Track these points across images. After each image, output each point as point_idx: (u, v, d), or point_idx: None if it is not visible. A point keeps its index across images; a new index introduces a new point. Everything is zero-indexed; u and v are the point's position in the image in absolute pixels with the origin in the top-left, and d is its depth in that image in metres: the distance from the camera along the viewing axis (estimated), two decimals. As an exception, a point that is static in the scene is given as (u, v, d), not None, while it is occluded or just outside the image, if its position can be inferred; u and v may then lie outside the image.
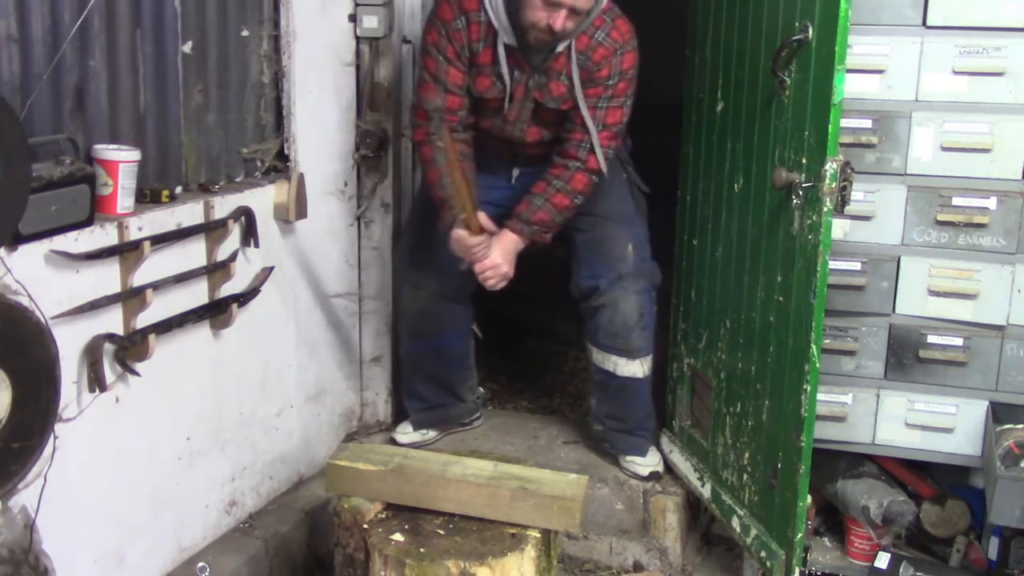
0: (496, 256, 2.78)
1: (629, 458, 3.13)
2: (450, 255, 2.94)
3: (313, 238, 3.04)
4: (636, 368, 3.05)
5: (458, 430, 3.37)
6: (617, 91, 2.77)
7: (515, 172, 3.00)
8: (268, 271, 2.77)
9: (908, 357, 2.77)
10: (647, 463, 3.11)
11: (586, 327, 3.09)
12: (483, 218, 2.76)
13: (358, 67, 3.15)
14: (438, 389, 3.24)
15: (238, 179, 2.76)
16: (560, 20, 2.57)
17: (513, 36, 2.70)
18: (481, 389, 3.50)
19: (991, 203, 2.66)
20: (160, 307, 2.36)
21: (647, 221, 3.09)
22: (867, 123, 2.70)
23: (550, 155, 2.87)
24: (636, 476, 3.09)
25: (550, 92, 2.77)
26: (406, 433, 3.26)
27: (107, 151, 2.21)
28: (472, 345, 3.30)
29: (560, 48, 2.71)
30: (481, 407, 3.47)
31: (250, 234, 2.68)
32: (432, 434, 3.28)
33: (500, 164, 2.98)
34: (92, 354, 2.18)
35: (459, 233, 2.72)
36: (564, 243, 3.08)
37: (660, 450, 3.19)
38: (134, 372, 2.31)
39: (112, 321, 2.24)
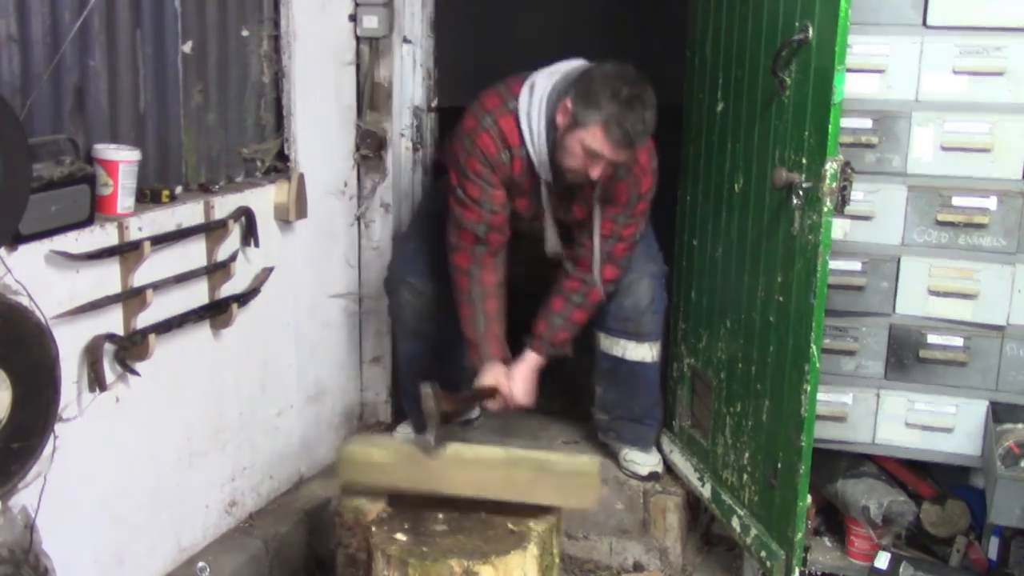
0: (519, 393, 2.80)
1: (630, 456, 3.12)
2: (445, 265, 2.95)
3: (313, 238, 3.04)
4: (645, 352, 3.05)
5: (458, 430, 3.36)
6: (636, 211, 2.81)
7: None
8: (268, 271, 2.77)
9: (908, 357, 2.77)
10: (647, 462, 3.11)
11: (595, 314, 3.09)
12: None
13: (358, 67, 3.15)
14: None
15: (238, 179, 2.76)
16: (599, 171, 2.57)
17: (550, 174, 2.70)
18: None
19: (991, 203, 2.66)
20: (160, 307, 2.36)
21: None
22: (867, 123, 2.70)
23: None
24: (635, 475, 3.09)
25: (574, 215, 2.82)
26: (406, 434, 3.26)
27: (107, 151, 2.21)
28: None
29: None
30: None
31: (250, 234, 2.68)
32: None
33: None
34: (92, 354, 2.18)
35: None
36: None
37: (660, 450, 3.19)
38: (134, 372, 2.31)
39: (112, 321, 2.24)
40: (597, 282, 2.83)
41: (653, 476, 3.09)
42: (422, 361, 3.17)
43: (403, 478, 2.33)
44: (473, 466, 2.30)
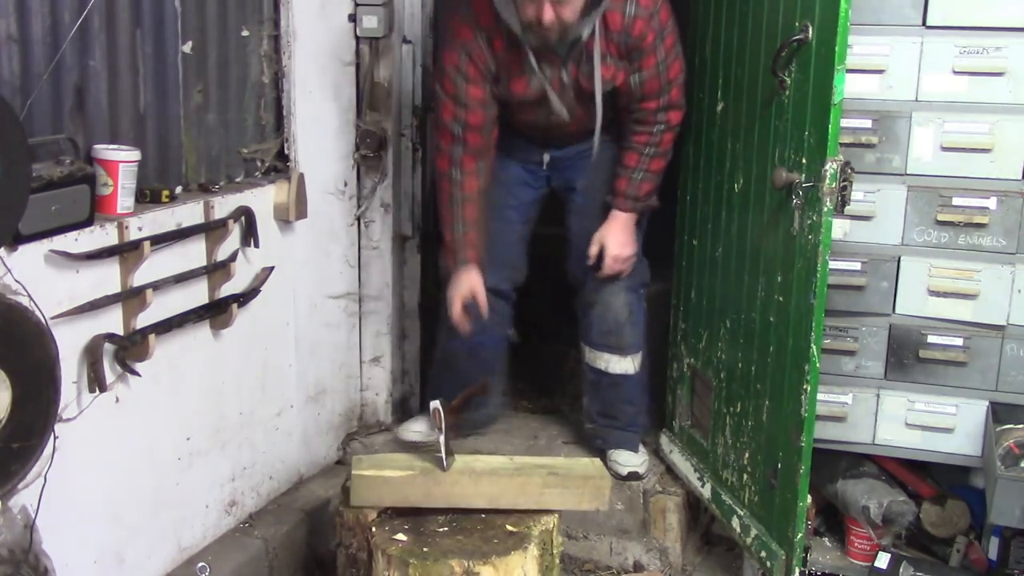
0: (614, 247, 2.86)
1: (614, 456, 3.11)
2: (504, 248, 2.98)
3: (313, 238, 3.04)
4: (627, 365, 3.07)
5: (463, 437, 3.34)
6: (667, 46, 2.75)
7: (546, 157, 3.00)
8: (268, 271, 2.77)
9: (908, 357, 2.78)
10: (630, 462, 3.09)
11: (580, 327, 3.11)
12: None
13: (358, 67, 3.15)
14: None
15: (238, 179, 2.76)
16: (546, 12, 2.52)
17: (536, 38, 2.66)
18: None
19: (991, 203, 2.66)
20: (160, 307, 2.36)
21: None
22: (867, 123, 2.70)
23: (583, 134, 2.87)
24: (616, 475, 3.04)
25: (603, 76, 2.74)
26: (414, 431, 3.21)
27: (107, 151, 2.21)
28: (506, 348, 3.21)
29: (584, 35, 2.66)
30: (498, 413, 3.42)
31: (250, 234, 2.68)
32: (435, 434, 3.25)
33: (533, 149, 2.97)
34: (92, 354, 2.18)
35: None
36: (562, 222, 3.07)
37: (660, 450, 3.19)
38: (134, 372, 2.31)
39: (112, 321, 2.24)
40: (678, 104, 2.82)
41: (633, 476, 3.06)
42: (458, 359, 3.09)
43: (419, 497, 2.34)
44: (487, 480, 2.33)
